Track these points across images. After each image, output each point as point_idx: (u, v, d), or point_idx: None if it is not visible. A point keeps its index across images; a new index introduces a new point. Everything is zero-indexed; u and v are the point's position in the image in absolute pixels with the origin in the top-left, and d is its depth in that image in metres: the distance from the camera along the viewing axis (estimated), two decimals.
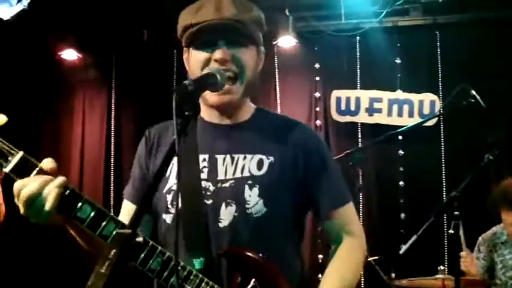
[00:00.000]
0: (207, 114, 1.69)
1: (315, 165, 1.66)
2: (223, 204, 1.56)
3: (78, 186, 5.56)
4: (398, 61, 5.23)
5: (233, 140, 1.65)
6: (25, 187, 1.35)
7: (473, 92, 3.06)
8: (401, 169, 5.19)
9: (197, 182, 1.58)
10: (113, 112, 5.83)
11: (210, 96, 1.60)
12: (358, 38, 5.32)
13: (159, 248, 1.46)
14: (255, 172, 1.59)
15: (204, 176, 1.60)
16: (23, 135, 3.52)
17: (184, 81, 1.35)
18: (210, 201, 1.57)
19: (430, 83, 5.19)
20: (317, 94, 5.45)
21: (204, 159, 1.62)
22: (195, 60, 1.61)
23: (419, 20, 5.20)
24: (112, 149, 5.76)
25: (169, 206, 1.60)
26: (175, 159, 1.50)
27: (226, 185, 1.58)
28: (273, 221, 1.58)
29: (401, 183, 5.17)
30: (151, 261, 1.44)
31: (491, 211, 3.82)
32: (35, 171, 1.39)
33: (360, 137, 5.33)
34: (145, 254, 1.43)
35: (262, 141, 1.64)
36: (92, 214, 1.41)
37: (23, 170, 1.39)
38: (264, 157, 1.61)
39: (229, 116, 1.67)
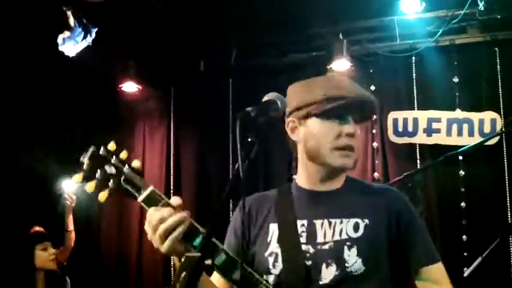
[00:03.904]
0: (305, 181, 1.84)
1: (406, 224, 1.76)
2: (324, 264, 1.68)
3: (138, 219, 5.73)
4: (456, 80, 5.15)
5: (329, 205, 1.78)
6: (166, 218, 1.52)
7: None
8: (462, 190, 5.07)
9: (297, 245, 1.71)
10: (171, 144, 5.98)
11: (332, 158, 1.75)
12: (414, 58, 5.28)
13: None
14: (352, 234, 1.71)
15: (303, 240, 1.73)
16: None
17: (247, 108, 1.41)
18: (309, 262, 1.69)
19: (490, 101, 5.07)
20: (373, 116, 5.39)
21: (303, 225, 1.76)
22: (324, 130, 1.76)
23: (477, 37, 5.12)
24: (171, 183, 5.89)
25: (271, 267, 1.72)
26: (274, 226, 1.76)
27: (326, 247, 1.71)
28: (372, 279, 1.68)
29: (462, 204, 5.05)
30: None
31: None
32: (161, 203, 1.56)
33: (418, 158, 5.25)
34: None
35: (356, 205, 1.78)
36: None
37: (153, 201, 1.56)
38: (359, 220, 1.74)
39: (325, 184, 1.82)
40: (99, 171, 1.57)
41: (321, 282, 1.66)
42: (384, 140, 5.36)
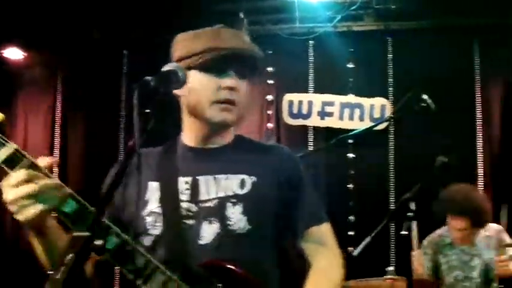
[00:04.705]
0: (189, 138, 1.73)
1: (294, 184, 1.71)
2: (206, 223, 1.59)
3: None
4: (350, 65, 5.31)
5: (215, 162, 1.68)
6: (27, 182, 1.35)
7: (425, 97, 3.10)
8: (351, 172, 5.26)
9: (177, 203, 1.61)
10: (58, 118, 5.70)
11: (211, 113, 1.64)
12: (312, 42, 5.38)
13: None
14: (238, 191, 1.63)
15: (185, 197, 1.63)
16: None
17: (146, 77, 1.33)
18: (191, 221, 1.60)
19: (381, 88, 5.30)
20: (269, 97, 5.46)
21: (186, 182, 1.65)
22: (203, 83, 1.64)
23: (372, 25, 5.30)
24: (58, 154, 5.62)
25: (150, 228, 1.61)
26: (154, 185, 1.63)
27: (209, 204, 1.62)
28: (256, 238, 1.62)
29: (350, 186, 5.24)
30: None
31: (437, 215, 3.92)
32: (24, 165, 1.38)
33: (311, 140, 5.38)
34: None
35: (243, 162, 1.69)
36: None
37: (16, 162, 1.38)
38: (246, 177, 1.66)
39: (212, 141, 1.72)
40: None
41: (201, 242, 1.57)
42: (278, 121, 5.44)
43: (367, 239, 3.06)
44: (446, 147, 4.44)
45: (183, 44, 1.70)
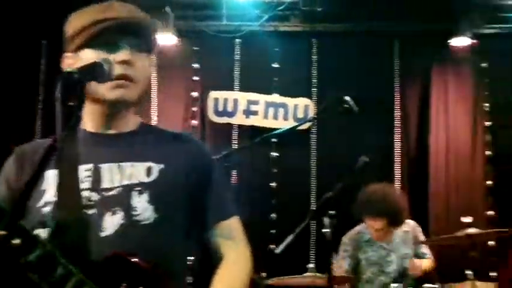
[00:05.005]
0: (90, 124, 1.61)
1: (203, 176, 1.64)
2: (109, 213, 1.50)
3: None
4: (276, 65, 5.36)
5: (119, 149, 1.58)
6: None
7: (347, 98, 3.18)
8: (274, 171, 5.32)
9: (77, 192, 1.48)
10: None
11: (105, 91, 1.53)
12: (238, 40, 5.39)
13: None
14: (144, 179, 1.54)
15: (86, 185, 1.51)
16: None
17: (68, 69, 1.27)
18: (92, 211, 1.49)
19: (305, 88, 5.39)
20: (195, 94, 5.43)
21: (88, 169, 1.54)
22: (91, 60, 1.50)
23: (298, 26, 5.37)
24: None
25: (47, 220, 1.48)
26: (51, 174, 1.49)
27: (113, 193, 1.52)
28: (163, 229, 1.53)
29: (273, 184, 5.30)
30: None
31: (355, 215, 4.05)
32: None
33: (236, 138, 5.39)
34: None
35: (150, 150, 1.60)
36: None
37: None
38: (153, 164, 1.57)
39: (114, 126, 1.61)
40: None
41: (103, 234, 1.47)
42: (203, 119, 5.41)
43: (290, 237, 3.09)
44: (367, 147, 4.58)
45: (73, 22, 1.60)
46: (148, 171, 1.56)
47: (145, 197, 1.52)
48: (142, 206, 1.51)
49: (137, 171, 1.55)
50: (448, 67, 5.43)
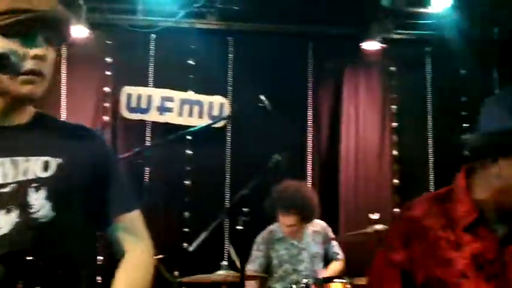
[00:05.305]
0: None
1: (104, 170, 1.61)
2: (3, 211, 1.43)
3: None
4: (191, 62, 5.32)
5: (13, 142, 1.50)
6: None
7: (262, 97, 3.21)
8: (188, 168, 5.28)
9: None
10: None
11: (13, 85, 1.45)
12: (153, 35, 5.31)
13: None
14: (41, 174, 1.48)
15: None
16: None
17: None
18: None
19: (220, 86, 5.38)
20: (107, 89, 5.28)
21: None
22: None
23: (214, 24, 5.35)
24: None
25: None
26: None
27: (7, 189, 1.45)
28: (62, 226, 1.49)
29: (187, 182, 5.26)
30: None
31: (269, 212, 4.10)
32: None
33: (149, 135, 5.30)
34: None
35: (47, 143, 1.54)
36: None
37: None
38: (51, 158, 1.50)
39: (8, 118, 1.53)
40: None
41: None
42: (115, 115, 5.27)
43: (204, 235, 3.08)
44: (281, 146, 4.64)
45: None
46: (46, 165, 1.50)
47: (42, 193, 1.47)
48: (40, 203, 1.46)
49: (33, 166, 1.49)
50: (360, 69, 5.62)
